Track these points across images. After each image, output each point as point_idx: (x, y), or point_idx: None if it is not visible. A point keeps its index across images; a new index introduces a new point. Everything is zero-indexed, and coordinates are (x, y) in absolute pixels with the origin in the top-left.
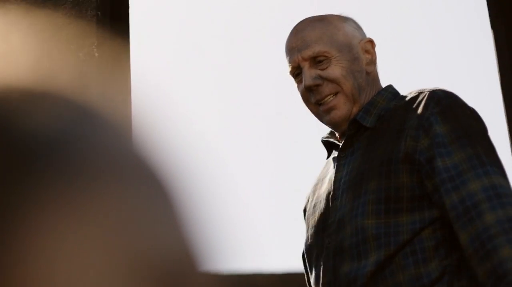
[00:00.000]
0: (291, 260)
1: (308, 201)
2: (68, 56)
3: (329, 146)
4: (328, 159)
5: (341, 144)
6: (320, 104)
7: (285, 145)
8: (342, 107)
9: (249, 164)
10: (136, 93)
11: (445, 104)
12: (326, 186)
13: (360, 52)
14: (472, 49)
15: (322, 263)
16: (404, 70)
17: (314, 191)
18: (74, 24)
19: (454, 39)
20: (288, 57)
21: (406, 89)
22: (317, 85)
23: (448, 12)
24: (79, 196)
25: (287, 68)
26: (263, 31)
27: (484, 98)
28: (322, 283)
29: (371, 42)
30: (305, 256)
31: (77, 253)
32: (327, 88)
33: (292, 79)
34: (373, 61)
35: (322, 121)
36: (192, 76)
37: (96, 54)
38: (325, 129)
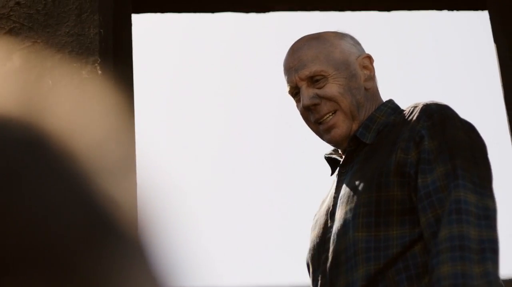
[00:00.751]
0: (297, 274)
1: (313, 218)
2: (71, 74)
3: (332, 162)
4: (332, 175)
5: (341, 160)
6: (320, 123)
7: (291, 161)
8: (341, 126)
9: (256, 178)
10: (140, 111)
11: (436, 118)
12: (327, 202)
13: (358, 69)
14: (475, 62)
15: (319, 278)
16: (406, 85)
17: (319, 208)
18: (77, 42)
19: (457, 53)
20: (286, 77)
21: (408, 104)
22: (315, 105)
23: (451, 26)
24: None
25: (286, 88)
26: (274, 51)
27: (487, 111)
28: None
29: (369, 58)
30: (307, 269)
31: None
32: (325, 107)
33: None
34: (371, 77)
35: (323, 140)
36: (196, 91)
37: (100, 72)
38: (329, 146)
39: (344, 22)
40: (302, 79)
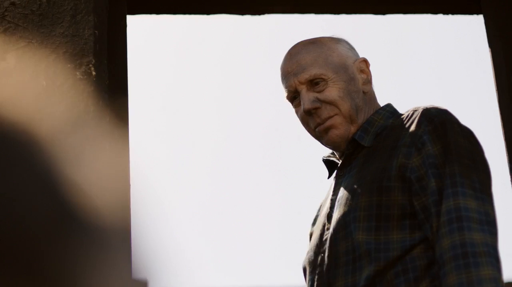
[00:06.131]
0: (291, 275)
1: (312, 222)
2: (65, 74)
3: (330, 165)
4: (330, 178)
5: (339, 163)
6: (318, 125)
7: (287, 164)
8: (339, 127)
9: (253, 182)
10: (134, 113)
11: (437, 122)
12: (326, 205)
13: (356, 72)
14: (470, 66)
15: (315, 279)
16: (401, 90)
17: (318, 212)
18: (72, 42)
19: (452, 57)
20: (284, 82)
21: (404, 108)
22: (316, 108)
23: (446, 30)
24: None
25: (284, 93)
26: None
27: (481, 115)
28: None
29: (365, 61)
30: (303, 273)
31: None
32: (325, 111)
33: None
34: (369, 81)
35: (322, 143)
36: (191, 93)
37: (94, 73)
38: (326, 150)
39: (339, 25)
40: (301, 83)
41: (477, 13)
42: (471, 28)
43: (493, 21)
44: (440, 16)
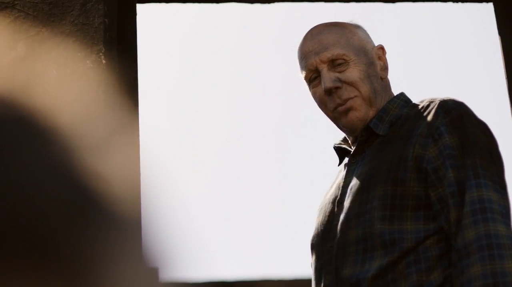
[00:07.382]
0: (299, 266)
1: (318, 207)
2: (76, 63)
3: (341, 152)
4: (340, 165)
5: (352, 150)
6: (338, 105)
7: (295, 153)
8: (359, 109)
9: (259, 171)
10: (143, 101)
11: (455, 114)
12: (334, 190)
13: (375, 57)
14: (480, 54)
15: (323, 265)
16: (411, 78)
17: (324, 197)
18: (81, 31)
19: (461, 45)
20: (303, 61)
21: (414, 97)
22: (337, 88)
23: (456, 18)
24: None
25: (302, 73)
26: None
27: (491, 104)
28: (323, 286)
29: (382, 49)
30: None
31: None
32: (346, 92)
33: (307, 87)
34: (386, 67)
35: (339, 125)
36: (199, 81)
37: (104, 62)
38: (337, 138)
39: (349, 13)
40: (323, 62)
41: (487, 1)
42: (481, 16)
43: (503, 9)
44: (449, 4)
